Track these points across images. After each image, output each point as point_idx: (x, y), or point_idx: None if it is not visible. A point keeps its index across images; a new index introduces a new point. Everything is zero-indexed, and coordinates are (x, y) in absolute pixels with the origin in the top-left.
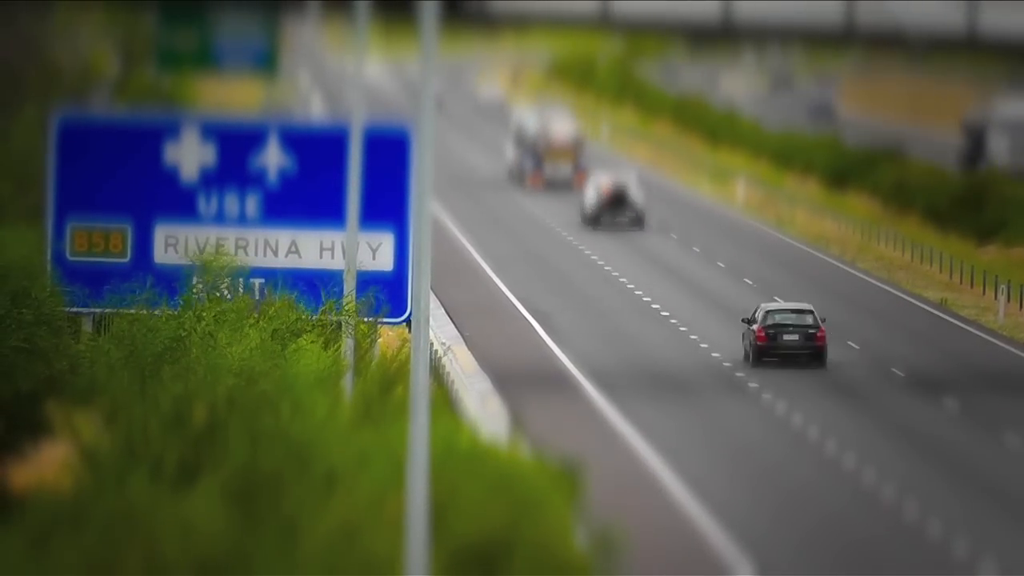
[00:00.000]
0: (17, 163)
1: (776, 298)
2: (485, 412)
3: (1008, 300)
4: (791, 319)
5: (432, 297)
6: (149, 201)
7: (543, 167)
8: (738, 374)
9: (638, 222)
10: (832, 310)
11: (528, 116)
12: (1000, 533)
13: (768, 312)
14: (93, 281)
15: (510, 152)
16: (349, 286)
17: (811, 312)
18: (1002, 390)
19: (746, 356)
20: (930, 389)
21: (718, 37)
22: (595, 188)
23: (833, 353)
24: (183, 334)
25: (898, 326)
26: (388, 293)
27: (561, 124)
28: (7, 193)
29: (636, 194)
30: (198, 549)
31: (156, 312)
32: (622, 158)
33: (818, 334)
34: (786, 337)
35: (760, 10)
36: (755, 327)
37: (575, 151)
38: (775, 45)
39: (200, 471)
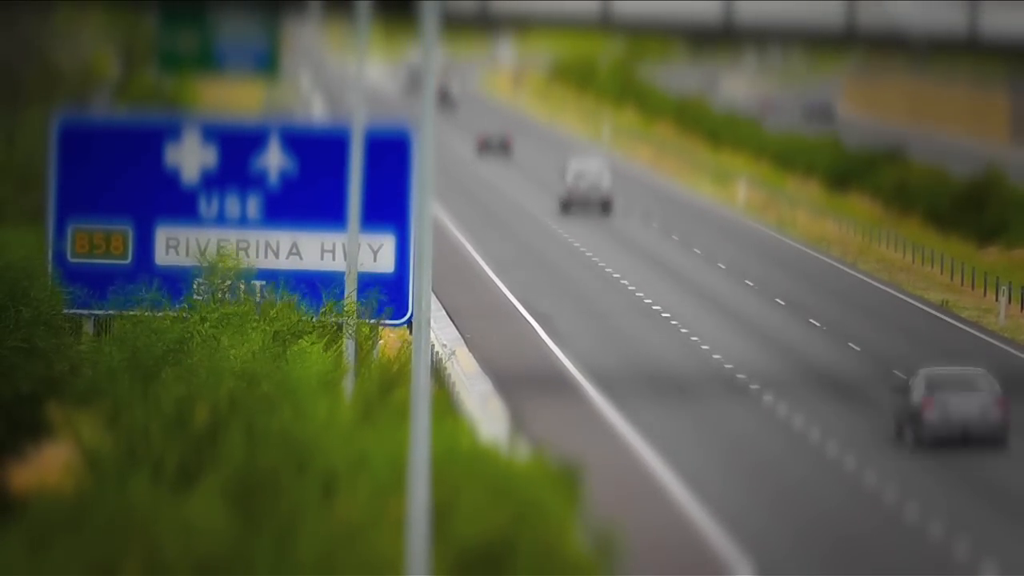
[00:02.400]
0: (18, 164)
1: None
2: (486, 413)
3: (1009, 302)
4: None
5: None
6: (150, 203)
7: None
8: (740, 376)
9: (454, 107)
10: (833, 311)
11: (414, 57)
12: (1001, 534)
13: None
14: (94, 282)
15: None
16: (350, 288)
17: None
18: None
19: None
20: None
21: (719, 38)
22: None
23: (834, 354)
24: (186, 336)
25: (899, 327)
26: (389, 295)
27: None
28: (9, 194)
29: (455, 92)
30: (199, 550)
31: (159, 314)
32: (623, 159)
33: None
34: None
35: (761, 11)
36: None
37: (443, 77)
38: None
39: (201, 472)
